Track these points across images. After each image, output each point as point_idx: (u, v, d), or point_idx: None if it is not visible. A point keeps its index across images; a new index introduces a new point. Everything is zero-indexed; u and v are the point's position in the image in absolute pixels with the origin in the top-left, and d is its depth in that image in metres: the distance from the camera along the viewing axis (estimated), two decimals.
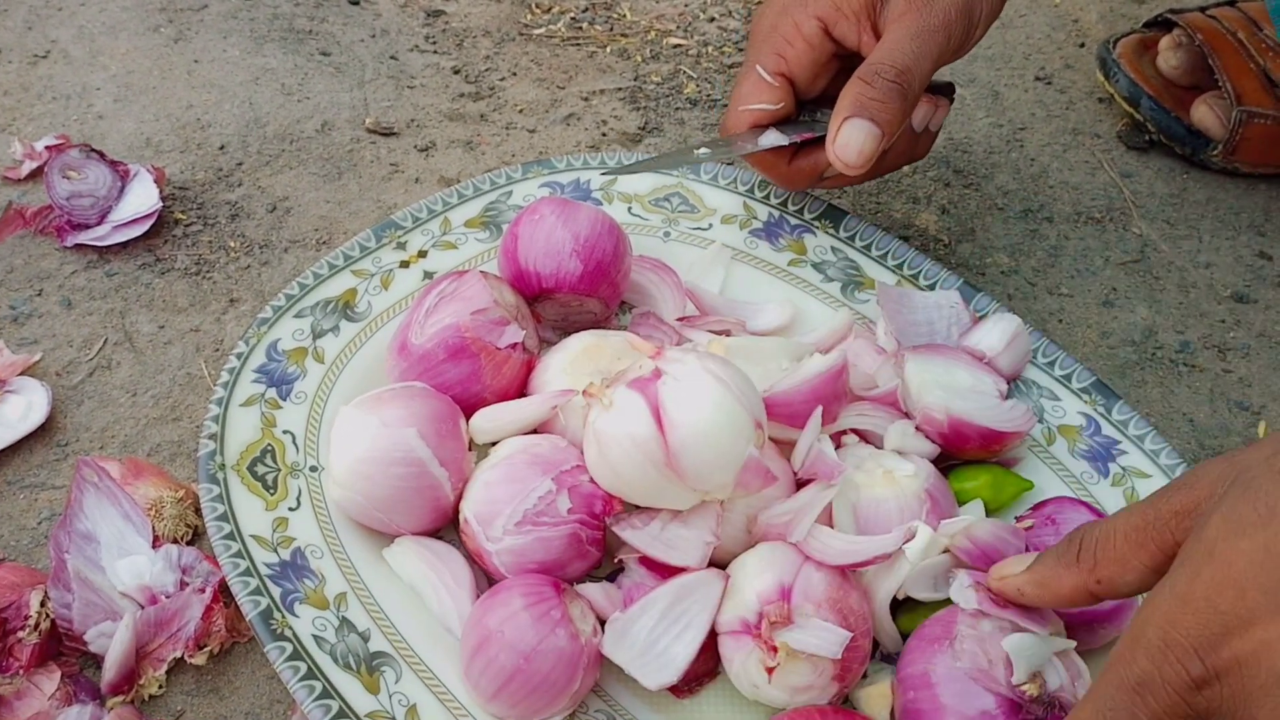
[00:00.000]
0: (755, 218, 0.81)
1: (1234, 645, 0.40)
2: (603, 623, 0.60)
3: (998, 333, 0.72)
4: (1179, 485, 0.47)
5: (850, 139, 0.67)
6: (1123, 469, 0.69)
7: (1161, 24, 1.03)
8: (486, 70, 1.04)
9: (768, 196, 0.81)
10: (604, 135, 0.97)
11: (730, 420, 0.58)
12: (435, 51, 1.05)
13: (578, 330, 0.72)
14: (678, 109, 1.01)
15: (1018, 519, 0.65)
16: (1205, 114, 0.97)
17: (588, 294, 0.70)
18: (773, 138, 0.72)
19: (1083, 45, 1.12)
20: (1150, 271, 0.89)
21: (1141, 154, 1.00)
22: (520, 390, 0.69)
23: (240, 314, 0.78)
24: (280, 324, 0.71)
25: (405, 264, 0.76)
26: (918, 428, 0.68)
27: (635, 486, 0.60)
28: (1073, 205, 0.94)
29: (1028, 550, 0.61)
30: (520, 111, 0.99)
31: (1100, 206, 0.95)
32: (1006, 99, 1.05)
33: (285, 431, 0.67)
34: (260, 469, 0.65)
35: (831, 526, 0.61)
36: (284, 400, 0.68)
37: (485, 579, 0.63)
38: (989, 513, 0.66)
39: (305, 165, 0.89)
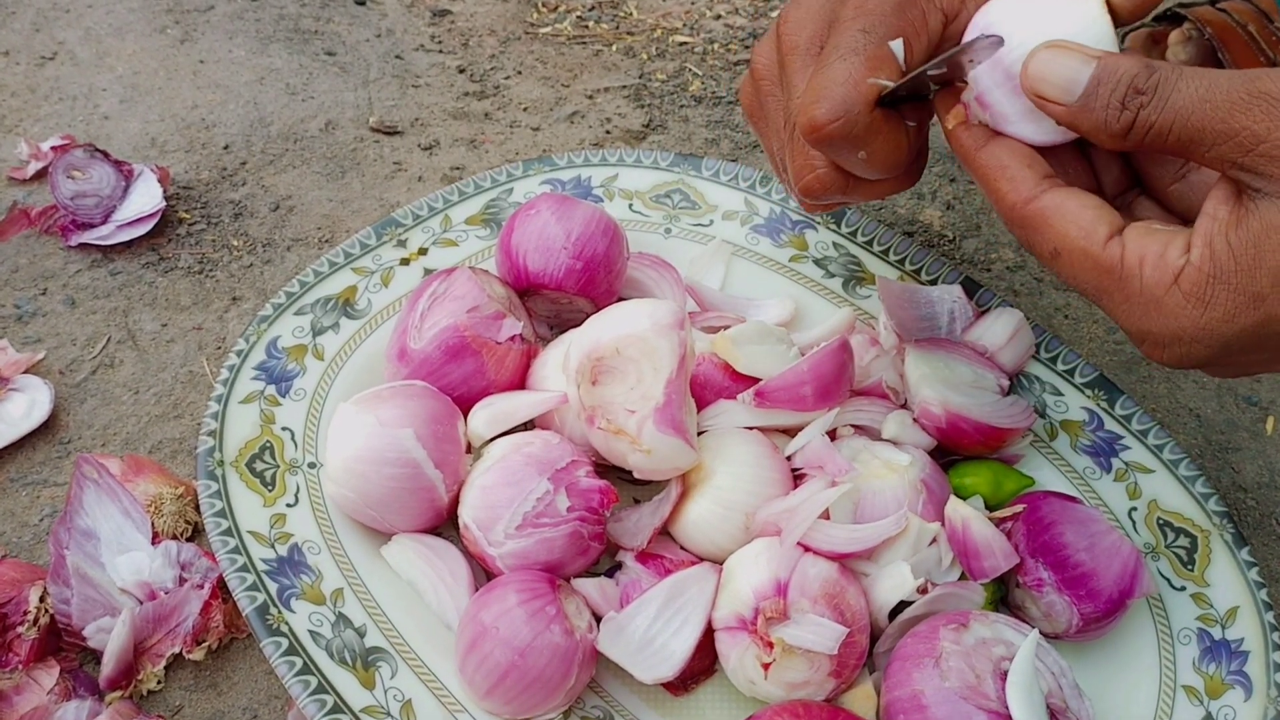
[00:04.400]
0: (756, 214, 0.80)
1: None
2: (599, 619, 0.60)
3: (1000, 327, 0.71)
4: (1269, 99, 0.42)
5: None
6: (1125, 464, 0.69)
7: (1171, 18, 1.02)
8: (492, 69, 1.04)
9: (769, 192, 0.81)
10: (608, 133, 0.97)
11: None
12: (440, 51, 1.05)
13: (569, 328, 0.72)
14: (682, 106, 1.00)
15: (999, 522, 0.64)
16: None
17: (577, 292, 0.70)
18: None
19: None
20: None
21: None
22: (522, 380, 0.69)
23: (243, 312, 0.78)
24: (280, 321, 0.71)
25: (406, 261, 0.76)
26: (916, 420, 0.67)
27: None
28: None
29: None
30: (525, 110, 0.99)
31: None
32: None
33: (284, 428, 0.67)
34: (259, 465, 0.65)
35: (828, 519, 0.61)
36: (283, 397, 0.68)
37: (484, 575, 0.63)
38: (989, 508, 0.66)
39: (309, 164, 0.89)
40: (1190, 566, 0.65)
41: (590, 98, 1.01)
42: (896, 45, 0.52)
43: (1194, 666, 0.61)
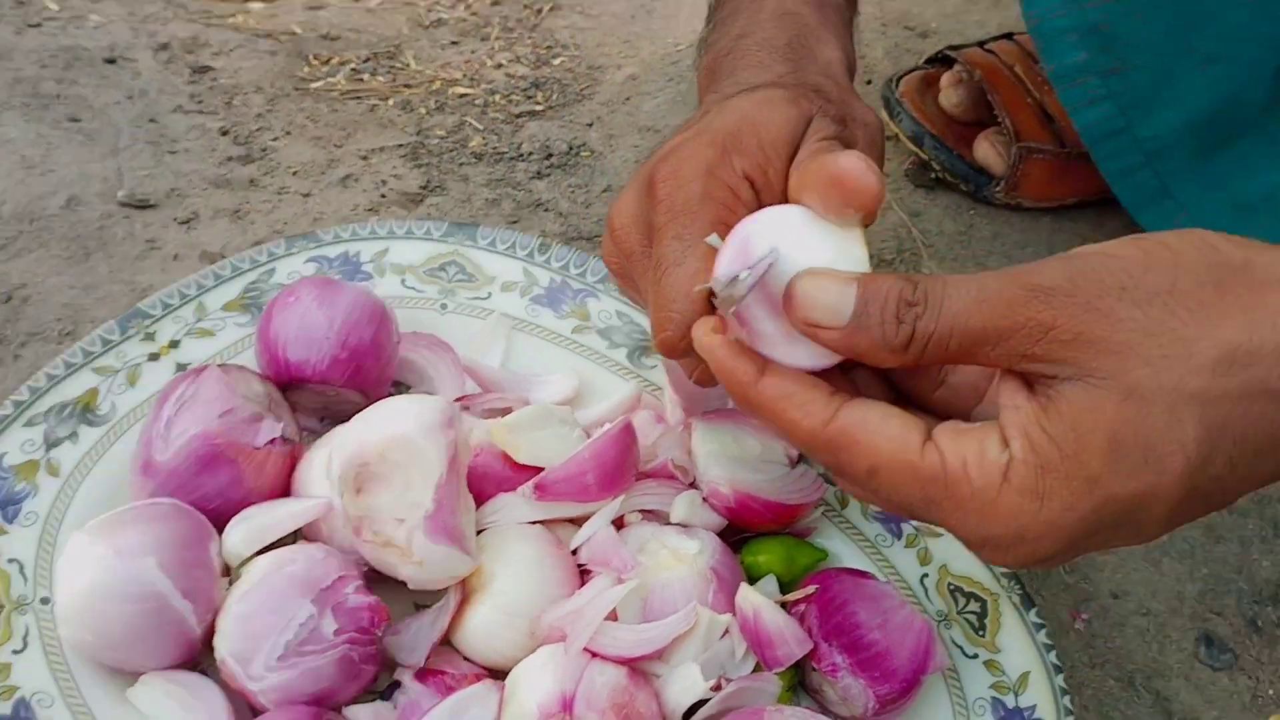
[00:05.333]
0: (537, 284, 0.77)
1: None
2: None
3: None
4: (1045, 291, 0.42)
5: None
6: (914, 529, 0.68)
7: (943, 60, 1.04)
8: (258, 130, 0.98)
9: (549, 260, 0.78)
10: (383, 196, 0.92)
11: None
12: (201, 111, 0.99)
13: (341, 421, 0.67)
14: (462, 164, 0.97)
15: (793, 604, 0.62)
16: (987, 151, 0.98)
17: (344, 384, 0.66)
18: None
19: (870, 82, 1.12)
20: None
21: (929, 192, 1.00)
22: (286, 485, 0.64)
23: None
24: (6, 436, 0.64)
25: (155, 356, 0.69)
26: (705, 500, 0.65)
27: None
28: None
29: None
30: (294, 174, 0.93)
31: (891, 248, 0.94)
32: None
33: (11, 560, 0.60)
34: None
35: (615, 617, 0.58)
36: (10, 524, 0.61)
37: (248, 710, 0.58)
38: (783, 587, 0.64)
39: (47, 247, 0.82)
40: (981, 632, 0.64)
41: (365, 158, 0.96)
42: (713, 240, 0.50)
43: None
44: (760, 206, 0.52)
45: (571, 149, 0.99)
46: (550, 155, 0.98)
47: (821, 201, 0.46)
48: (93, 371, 0.67)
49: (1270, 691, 0.72)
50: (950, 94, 1.01)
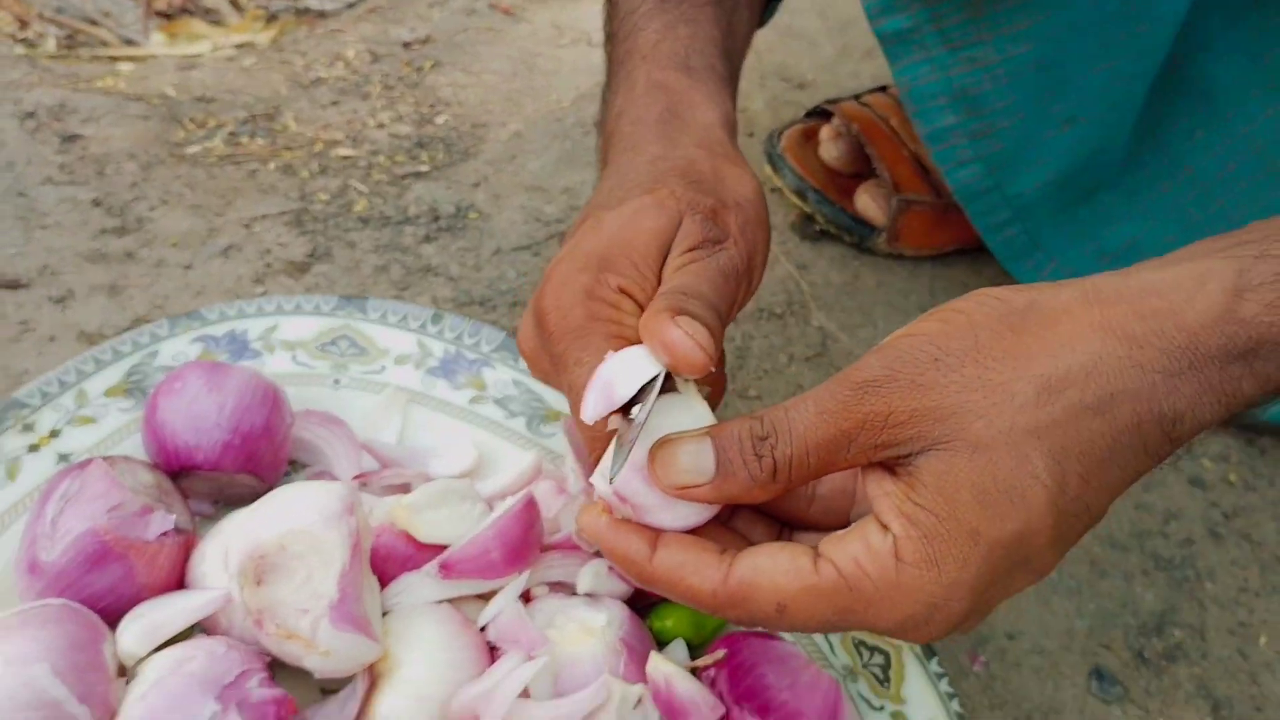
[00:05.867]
0: (431, 355, 0.77)
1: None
2: None
3: None
4: (871, 385, 0.45)
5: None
6: None
7: (820, 113, 1.07)
8: (133, 200, 0.95)
9: (441, 332, 0.77)
10: (268, 266, 0.90)
11: None
12: (71, 182, 0.96)
13: (237, 504, 0.66)
14: (348, 230, 0.95)
15: (702, 669, 0.63)
16: (867, 203, 1.01)
17: (238, 470, 0.64)
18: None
19: (751, 134, 1.14)
20: (832, 363, 0.91)
21: (815, 243, 1.03)
22: (180, 577, 0.62)
23: None
24: None
25: (34, 447, 0.67)
26: (610, 568, 0.65)
27: None
28: (755, 302, 0.95)
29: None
30: (173, 245, 0.91)
31: (780, 301, 0.96)
32: None
33: None
34: None
35: (528, 694, 0.58)
36: None
37: None
38: (692, 649, 0.65)
39: None
40: (886, 684, 0.66)
41: (247, 226, 0.94)
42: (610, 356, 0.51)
43: None
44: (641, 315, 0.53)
45: (459, 210, 0.99)
46: (438, 218, 0.98)
47: (657, 357, 0.49)
48: None
49: None
50: (829, 148, 1.04)
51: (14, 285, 0.83)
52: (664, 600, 0.67)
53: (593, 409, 0.48)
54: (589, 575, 0.64)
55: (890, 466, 0.46)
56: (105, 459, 0.61)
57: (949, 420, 0.44)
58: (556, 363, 0.54)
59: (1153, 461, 0.46)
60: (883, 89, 1.08)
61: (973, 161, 0.87)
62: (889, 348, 0.46)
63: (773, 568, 0.46)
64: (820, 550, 0.46)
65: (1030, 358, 0.45)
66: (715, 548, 0.48)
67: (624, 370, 0.49)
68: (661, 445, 0.47)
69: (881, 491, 0.46)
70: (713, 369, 0.48)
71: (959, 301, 0.48)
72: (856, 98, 1.07)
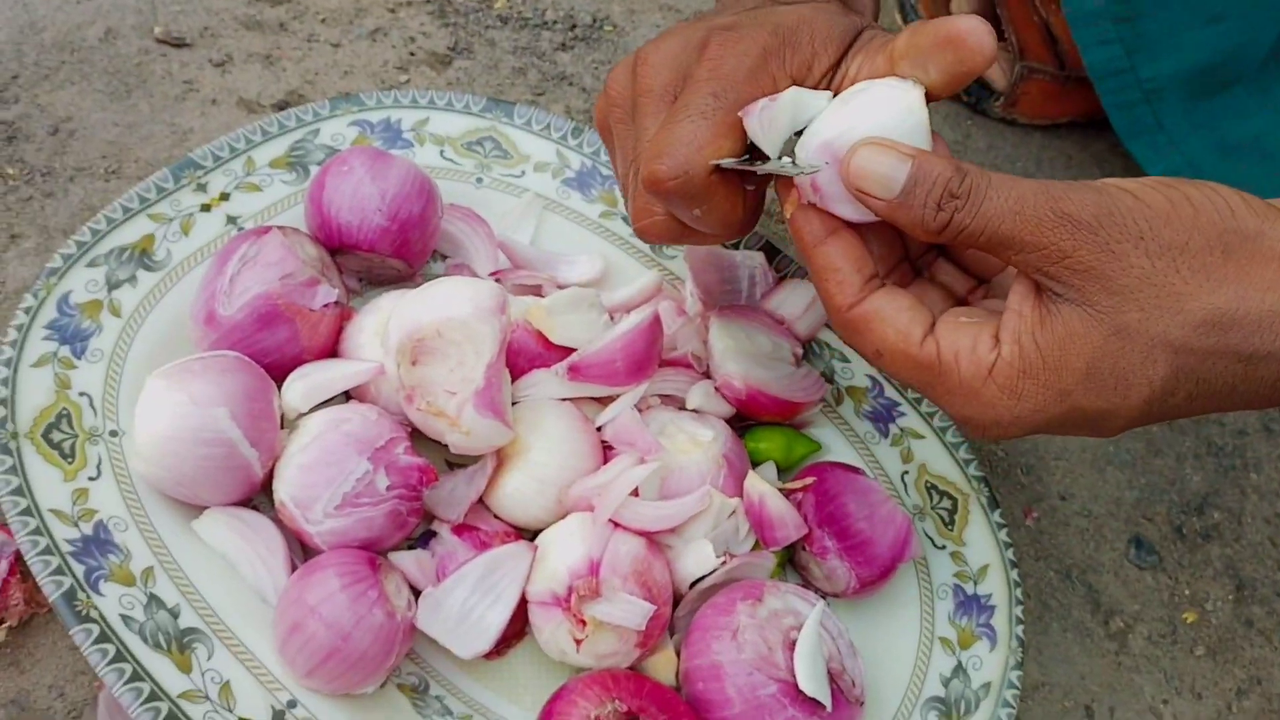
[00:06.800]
0: (568, 166, 0.81)
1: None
2: (417, 593, 0.62)
3: (797, 297, 0.75)
4: (1073, 222, 0.46)
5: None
6: (901, 430, 0.75)
7: None
8: None
9: (580, 145, 0.81)
10: (412, 55, 0.94)
11: None
12: None
13: (380, 284, 0.72)
14: (488, 27, 0.98)
15: (794, 480, 0.70)
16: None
17: (391, 254, 0.70)
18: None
19: None
20: None
21: (930, 100, 1.04)
22: (335, 345, 0.69)
23: (23, 252, 0.74)
24: (71, 274, 0.67)
25: (206, 207, 0.73)
26: (718, 389, 0.71)
27: None
28: None
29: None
30: (323, 21, 0.94)
31: None
32: None
33: (82, 394, 0.64)
34: (56, 435, 0.62)
35: (637, 493, 0.65)
36: (79, 359, 0.65)
37: (300, 548, 0.64)
38: (780, 472, 0.71)
39: (89, 80, 0.83)
40: (951, 527, 0.72)
41: (392, 11, 0.97)
42: (747, 117, 0.53)
43: (950, 620, 0.69)
44: None
45: (595, 21, 1.01)
46: (574, 26, 1.00)
47: (925, 63, 0.50)
48: (148, 218, 0.70)
49: (1187, 591, 0.81)
50: (962, 3, 1.04)
51: (179, 43, 0.88)
52: (758, 423, 0.73)
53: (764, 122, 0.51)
54: (699, 393, 0.70)
55: (1040, 289, 0.49)
56: (280, 229, 0.67)
57: (1114, 296, 0.46)
58: (690, 84, 0.54)
59: (1257, 407, 0.50)
60: None
61: (1113, 43, 0.87)
62: (1107, 195, 0.47)
63: (891, 318, 0.51)
64: (936, 325, 0.51)
65: (1221, 284, 0.46)
66: (867, 272, 0.52)
67: (863, 102, 0.50)
68: (868, 145, 0.49)
69: (1016, 309, 0.49)
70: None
71: (1194, 189, 0.48)
72: None
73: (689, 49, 0.56)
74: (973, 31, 0.48)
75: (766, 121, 0.52)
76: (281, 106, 0.86)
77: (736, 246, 0.79)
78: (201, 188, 0.73)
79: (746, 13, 0.58)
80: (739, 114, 0.53)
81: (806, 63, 0.55)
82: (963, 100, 1.04)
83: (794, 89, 0.52)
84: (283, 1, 0.95)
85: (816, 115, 0.52)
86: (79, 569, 0.58)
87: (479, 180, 0.79)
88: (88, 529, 0.60)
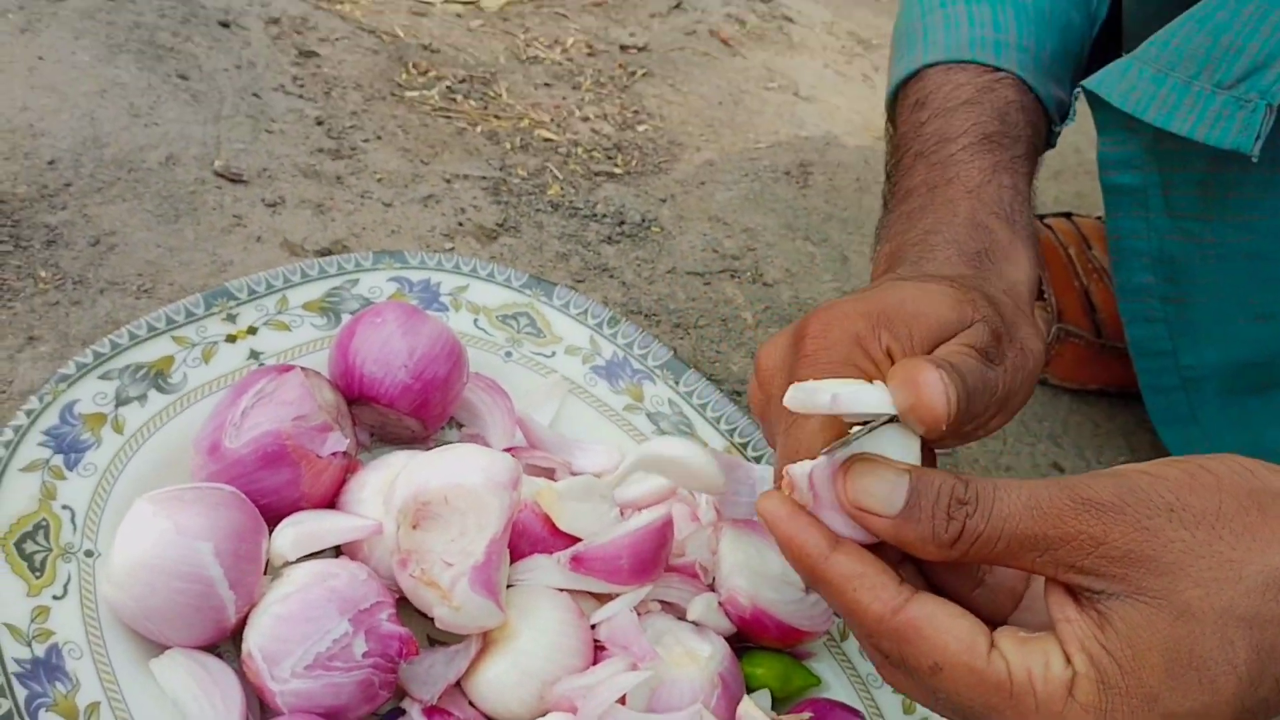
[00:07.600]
0: (599, 354, 0.80)
1: None
2: None
3: None
4: (1096, 506, 0.43)
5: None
6: None
7: None
8: (351, 128, 1.00)
9: (615, 335, 0.81)
10: (460, 225, 0.95)
11: None
12: (301, 96, 1.01)
13: (392, 442, 0.70)
14: (539, 210, 1.00)
15: (789, 713, 0.65)
16: None
17: (409, 413, 0.68)
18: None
19: None
20: (957, 467, 0.93)
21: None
22: (335, 496, 0.66)
23: (38, 355, 0.72)
24: (82, 383, 0.65)
25: (232, 338, 0.71)
26: (721, 605, 0.68)
27: None
28: None
29: None
30: (379, 180, 0.96)
31: None
32: (854, 264, 1.08)
33: (65, 506, 0.61)
34: (29, 547, 0.59)
35: (624, 700, 0.61)
36: (70, 470, 0.63)
37: (259, 705, 0.59)
38: (774, 703, 0.67)
39: (141, 199, 0.84)
40: None
41: (448, 181, 0.99)
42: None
43: None
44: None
45: (644, 221, 1.02)
46: (623, 222, 1.01)
47: (896, 394, 0.47)
48: (172, 339, 0.69)
49: None
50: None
51: (236, 179, 0.89)
52: (758, 647, 0.69)
53: (804, 398, 0.46)
54: (701, 605, 0.67)
55: (1075, 593, 0.45)
56: (303, 369, 0.66)
57: (1164, 577, 0.43)
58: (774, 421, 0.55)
59: None
60: (1067, 215, 1.10)
61: (1159, 321, 0.87)
62: (1123, 477, 0.44)
63: (948, 626, 0.45)
64: (997, 641, 0.45)
65: (1270, 544, 0.43)
66: (896, 575, 0.46)
67: (855, 392, 0.46)
68: (861, 461, 0.46)
69: (1065, 618, 0.45)
70: (942, 429, 0.46)
71: (1207, 459, 0.46)
72: (1040, 217, 1.08)
73: (789, 347, 0.55)
74: (927, 387, 0.46)
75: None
76: (324, 253, 0.87)
77: (759, 459, 0.77)
78: (231, 318, 0.72)
79: (865, 289, 0.57)
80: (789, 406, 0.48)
81: (903, 347, 0.53)
82: None
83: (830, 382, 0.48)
84: (344, 156, 0.97)
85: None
86: (21, 693, 0.54)
87: (508, 354, 0.78)
88: (40, 651, 0.56)
